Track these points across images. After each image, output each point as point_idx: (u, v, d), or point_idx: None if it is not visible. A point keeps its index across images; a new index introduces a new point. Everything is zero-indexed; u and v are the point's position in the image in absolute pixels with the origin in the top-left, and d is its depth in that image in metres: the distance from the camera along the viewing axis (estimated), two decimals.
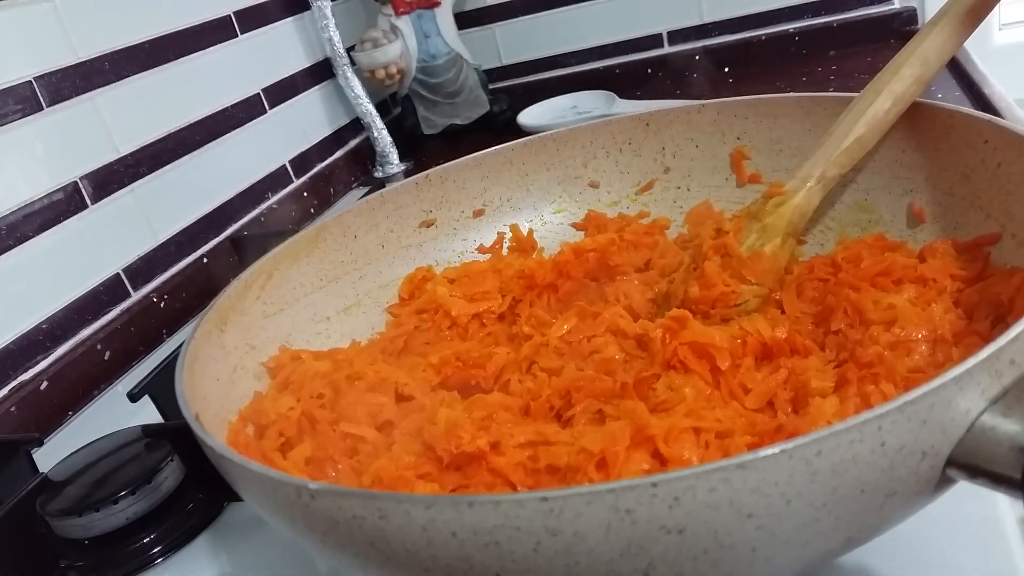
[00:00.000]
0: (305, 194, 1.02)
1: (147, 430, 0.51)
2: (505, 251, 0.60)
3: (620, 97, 1.07)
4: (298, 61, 1.05)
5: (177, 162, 0.83)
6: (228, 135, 0.91)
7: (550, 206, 0.61)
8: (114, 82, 0.77)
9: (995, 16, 1.23)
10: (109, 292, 0.74)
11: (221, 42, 0.92)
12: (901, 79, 0.44)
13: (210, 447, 0.32)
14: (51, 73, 0.71)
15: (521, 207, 0.61)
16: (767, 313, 0.45)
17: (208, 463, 0.34)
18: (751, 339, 0.42)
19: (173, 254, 0.82)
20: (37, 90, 0.70)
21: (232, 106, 0.92)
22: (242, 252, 0.81)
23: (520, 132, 1.04)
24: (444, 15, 1.16)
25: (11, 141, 0.67)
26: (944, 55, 0.44)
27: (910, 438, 0.25)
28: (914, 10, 1.08)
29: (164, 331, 0.78)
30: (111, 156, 0.76)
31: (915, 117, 0.46)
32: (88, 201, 0.73)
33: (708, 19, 1.15)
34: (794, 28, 1.13)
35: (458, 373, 0.47)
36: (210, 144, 0.88)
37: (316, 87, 1.08)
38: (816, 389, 0.37)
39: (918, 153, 0.46)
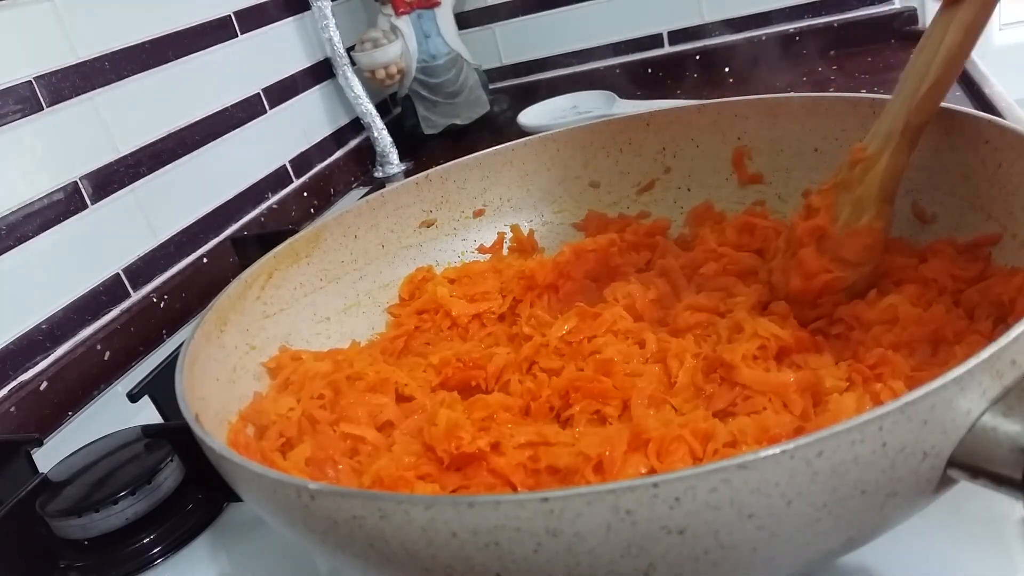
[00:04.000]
0: (305, 194, 1.02)
1: (147, 430, 0.51)
2: (505, 251, 0.60)
3: (620, 97, 1.07)
4: (298, 61, 1.05)
5: (177, 162, 0.83)
6: (228, 135, 0.91)
7: (550, 206, 0.61)
8: (114, 82, 0.77)
9: (995, 16, 1.23)
10: (109, 292, 0.74)
11: (221, 42, 0.92)
12: (969, 5, 0.40)
13: (210, 447, 0.32)
14: (51, 73, 0.71)
15: (521, 207, 0.61)
16: (769, 313, 0.45)
17: (208, 463, 0.34)
18: (771, 343, 0.41)
19: (173, 254, 0.82)
20: (37, 90, 0.70)
21: (232, 106, 0.92)
22: (242, 252, 0.81)
23: (520, 132, 1.04)
24: (444, 15, 1.16)
25: (11, 141, 0.67)
26: None
27: (911, 438, 0.25)
28: (914, 10, 1.08)
29: (164, 331, 0.78)
30: (111, 156, 0.76)
31: None
32: (88, 201, 0.73)
33: (708, 19, 1.15)
34: (794, 28, 1.13)
35: (458, 373, 0.47)
36: (210, 144, 0.88)
37: (316, 87, 1.08)
38: (832, 387, 0.37)
39: (919, 153, 0.46)
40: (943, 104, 0.44)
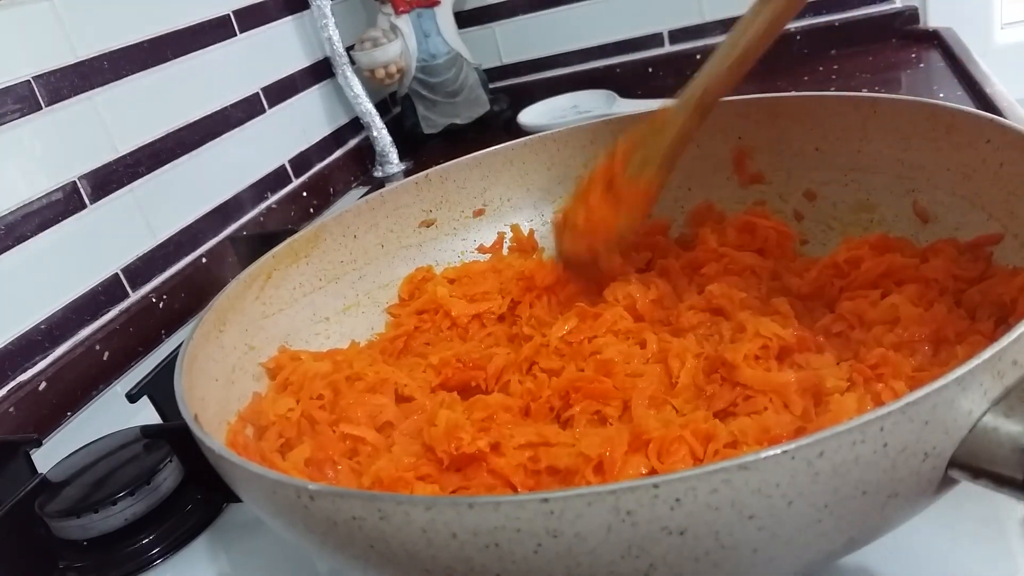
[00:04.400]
0: (305, 194, 1.02)
1: (146, 431, 0.50)
2: (505, 251, 0.60)
3: (620, 97, 1.07)
4: (298, 60, 1.05)
5: (176, 162, 0.83)
6: (228, 135, 0.91)
7: (550, 206, 0.61)
8: (113, 82, 0.77)
9: (996, 16, 1.23)
10: (108, 292, 0.74)
11: (221, 41, 0.91)
12: (775, 3, 0.43)
13: (209, 448, 0.32)
14: (50, 73, 0.71)
15: (521, 207, 0.61)
16: (770, 312, 0.45)
17: (207, 464, 0.34)
18: (773, 343, 0.41)
19: (172, 254, 0.81)
20: (36, 90, 0.69)
21: (232, 106, 0.92)
22: (242, 252, 0.81)
23: (520, 132, 1.04)
24: (444, 14, 1.15)
25: (10, 141, 0.67)
26: None
27: (912, 439, 0.25)
28: (915, 9, 1.08)
29: (163, 331, 0.78)
30: (110, 156, 0.76)
31: (917, 117, 0.45)
32: (87, 201, 0.73)
33: (708, 18, 1.15)
34: (795, 27, 1.12)
35: (458, 374, 0.47)
36: (209, 144, 0.88)
37: (316, 86, 1.08)
38: (833, 387, 0.37)
39: (920, 153, 0.46)
40: (944, 103, 0.44)
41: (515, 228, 0.60)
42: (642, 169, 0.46)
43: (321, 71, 1.09)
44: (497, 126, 1.17)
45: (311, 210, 1.03)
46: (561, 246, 0.50)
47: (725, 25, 1.15)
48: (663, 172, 0.46)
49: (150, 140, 0.80)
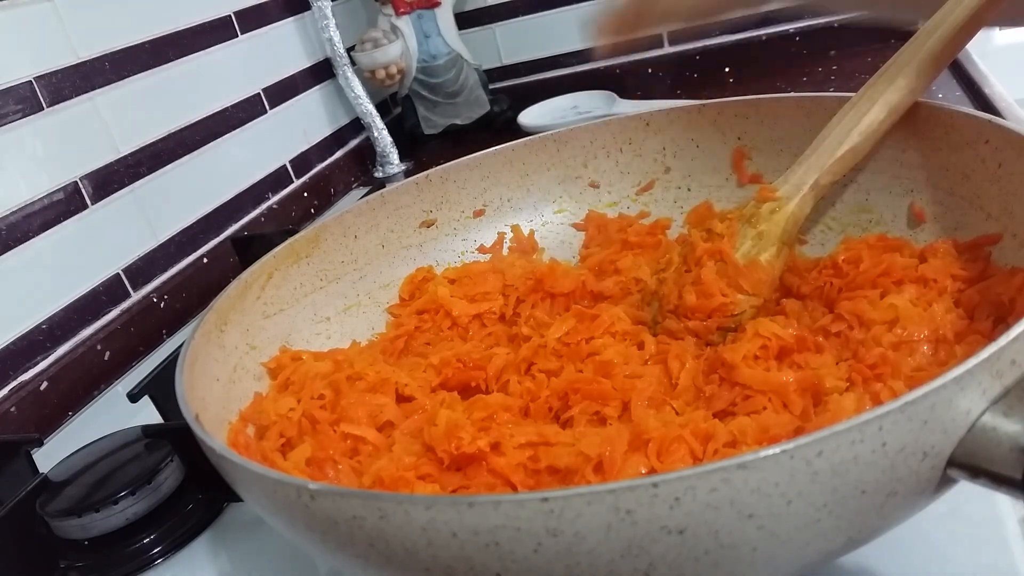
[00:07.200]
0: (305, 194, 1.02)
1: (147, 430, 0.51)
2: (505, 251, 0.60)
3: (620, 97, 1.07)
4: (298, 61, 1.05)
5: (177, 162, 0.83)
6: (228, 135, 0.91)
7: (551, 206, 0.61)
8: (114, 82, 0.77)
9: None
10: (109, 292, 0.74)
11: (221, 42, 0.92)
12: (896, 89, 0.43)
13: (210, 448, 0.32)
14: (51, 73, 0.71)
15: (522, 207, 0.61)
16: (768, 313, 0.45)
17: (208, 464, 0.34)
18: (773, 343, 0.41)
19: (173, 254, 0.82)
20: (37, 90, 0.70)
21: (232, 106, 0.92)
22: (242, 252, 0.81)
23: (520, 132, 1.04)
24: (444, 15, 1.16)
25: (11, 141, 0.67)
26: (940, 64, 0.43)
27: (911, 438, 0.25)
28: None
29: (164, 331, 0.78)
30: (111, 156, 0.76)
31: (916, 117, 0.46)
32: (88, 201, 0.73)
33: (708, 19, 1.15)
34: (794, 28, 1.13)
35: (458, 374, 0.47)
36: (210, 144, 0.88)
37: (316, 87, 1.08)
38: (832, 387, 0.37)
39: (919, 153, 0.46)
40: (943, 104, 0.44)
41: (515, 228, 0.60)
42: (759, 250, 0.45)
43: (322, 72, 1.09)
44: (497, 126, 1.17)
45: (312, 210, 1.03)
46: (659, 319, 0.48)
47: (724, 26, 1.15)
48: (783, 253, 0.46)
49: (151, 140, 0.80)
